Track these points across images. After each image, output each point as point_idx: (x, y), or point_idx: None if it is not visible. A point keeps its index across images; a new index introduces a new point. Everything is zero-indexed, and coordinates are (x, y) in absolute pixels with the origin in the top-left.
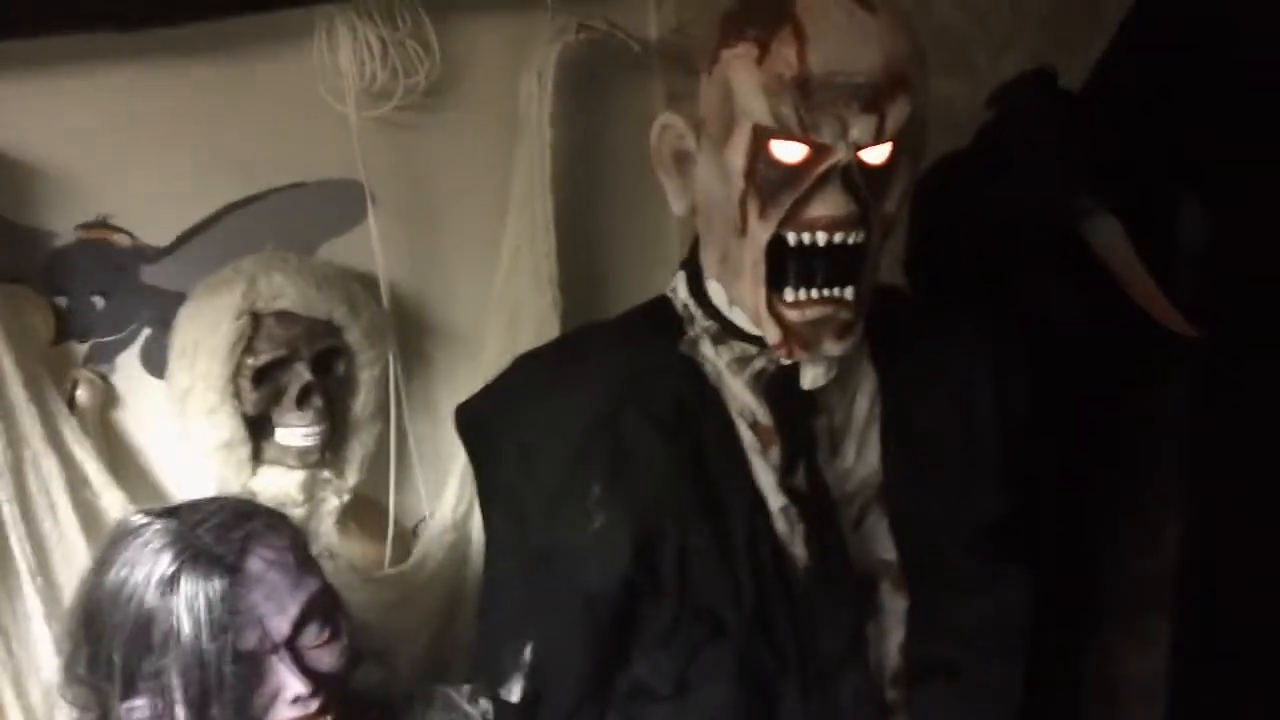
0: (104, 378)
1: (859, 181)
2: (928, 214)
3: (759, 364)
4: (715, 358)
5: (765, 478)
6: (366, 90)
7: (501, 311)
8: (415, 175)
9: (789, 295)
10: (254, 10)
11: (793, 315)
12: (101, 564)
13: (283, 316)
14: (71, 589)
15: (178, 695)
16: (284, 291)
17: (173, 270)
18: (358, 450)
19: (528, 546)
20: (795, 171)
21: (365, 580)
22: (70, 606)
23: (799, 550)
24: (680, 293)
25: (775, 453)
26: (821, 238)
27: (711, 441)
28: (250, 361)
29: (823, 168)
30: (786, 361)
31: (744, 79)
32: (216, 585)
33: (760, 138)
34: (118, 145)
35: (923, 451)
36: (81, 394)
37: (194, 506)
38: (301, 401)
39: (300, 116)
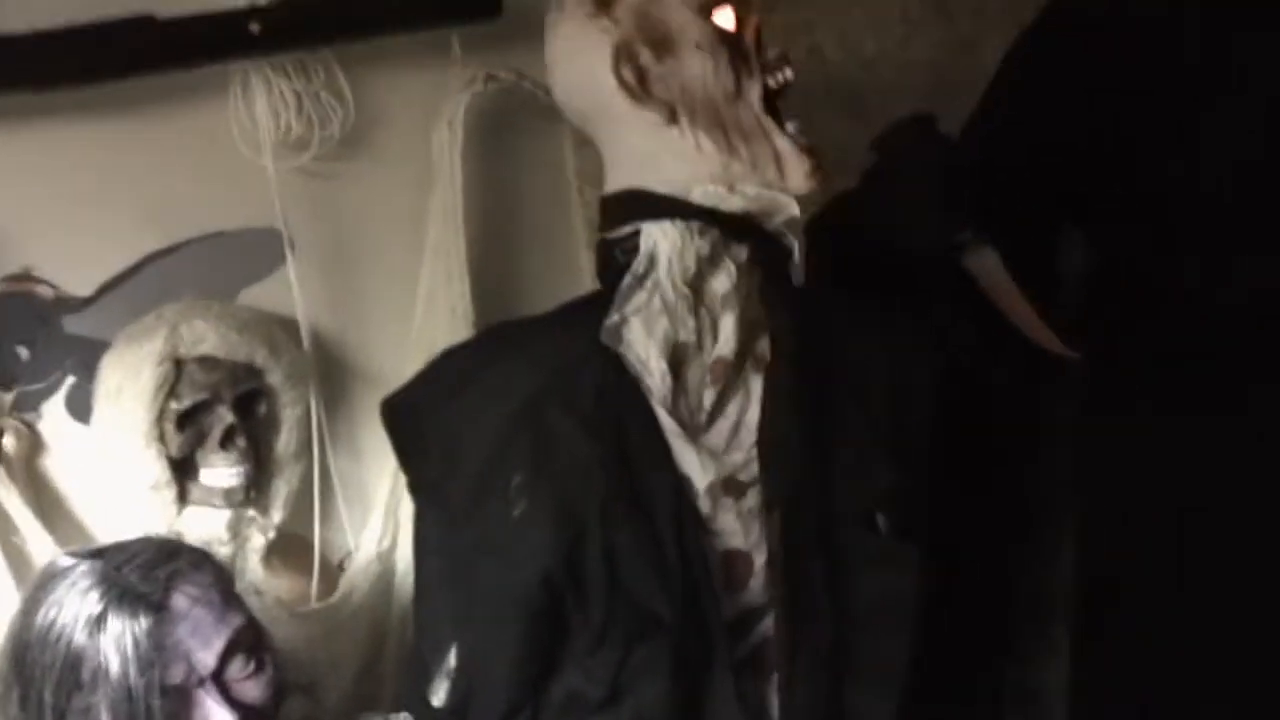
0: (30, 425)
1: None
2: (821, 252)
3: (759, 261)
4: (644, 341)
5: (689, 460)
6: (283, 142)
7: (419, 350)
8: (333, 222)
9: (790, 128)
10: (170, 68)
11: (805, 140)
12: (30, 605)
13: (204, 361)
14: (1, 632)
15: None
16: (205, 336)
17: (95, 319)
18: (282, 488)
19: (452, 543)
20: (736, 36)
21: (292, 615)
22: (0, 648)
23: (727, 526)
24: (661, 230)
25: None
26: (789, 73)
27: (634, 431)
28: (174, 405)
29: (752, 23)
30: (810, 189)
31: None
32: (142, 622)
33: (706, 13)
34: (39, 199)
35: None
36: (8, 442)
37: (120, 547)
38: (225, 443)
39: (219, 168)
